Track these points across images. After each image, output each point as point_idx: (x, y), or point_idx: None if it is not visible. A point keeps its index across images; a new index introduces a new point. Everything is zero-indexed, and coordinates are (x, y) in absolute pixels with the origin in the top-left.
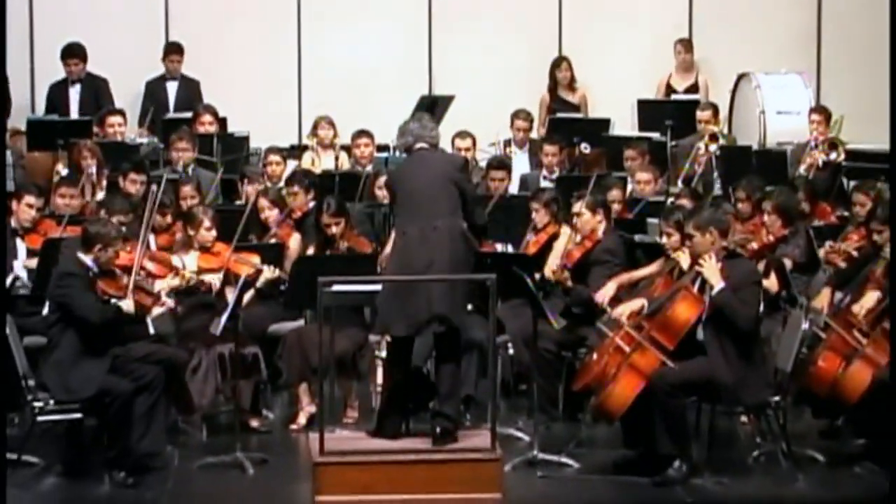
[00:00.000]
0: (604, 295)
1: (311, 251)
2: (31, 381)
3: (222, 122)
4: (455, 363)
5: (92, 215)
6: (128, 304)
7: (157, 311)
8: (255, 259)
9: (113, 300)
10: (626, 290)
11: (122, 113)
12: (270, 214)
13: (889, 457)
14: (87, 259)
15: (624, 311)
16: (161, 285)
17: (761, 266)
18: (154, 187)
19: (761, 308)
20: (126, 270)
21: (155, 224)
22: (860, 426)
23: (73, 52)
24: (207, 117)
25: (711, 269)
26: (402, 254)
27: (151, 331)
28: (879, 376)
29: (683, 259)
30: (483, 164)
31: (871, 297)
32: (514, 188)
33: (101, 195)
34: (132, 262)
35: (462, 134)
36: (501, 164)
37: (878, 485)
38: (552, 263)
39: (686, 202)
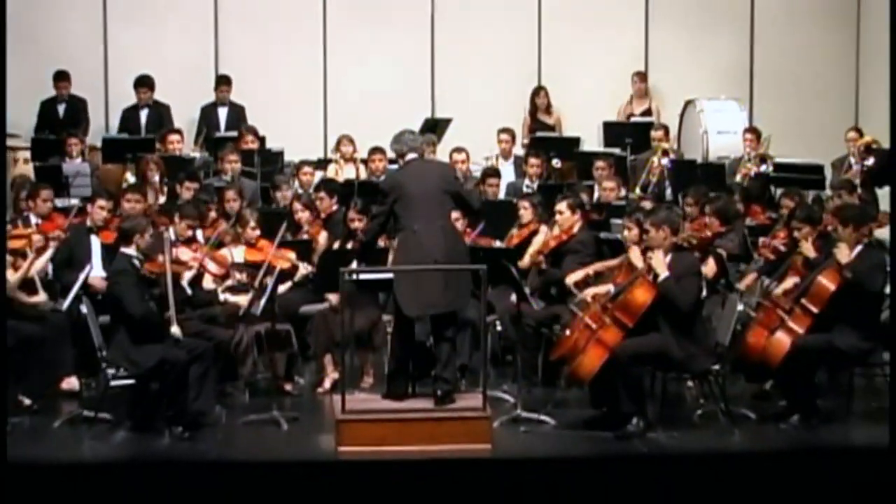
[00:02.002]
0: (572, 278)
1: (335, 246)
2: (105, 353)
3: (261, 140)
4: (452, 337)
5: (155, 218)
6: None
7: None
8: (292, 255)
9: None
10: (593, 277)
11: (180, 132)
12: (303, 216)
13: (809, 412)
14: (130, 251)
15: (589, 292)
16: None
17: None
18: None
19: (703, 293)
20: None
21: (203, 220)
22: (785, 389)
23: (144, 83)
24: (250, 137)
25: (658, 261)
26: (416, 248)
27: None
28: (798, 343)
29: (635, 255)
30: (476, 173)
31: (789, 282)
32: (500, 194)
33: (161, 199)
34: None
35: (458, 149)
36: (495, 173)
37: (798, 437)
38: (530, 255)
39: (648, 204)
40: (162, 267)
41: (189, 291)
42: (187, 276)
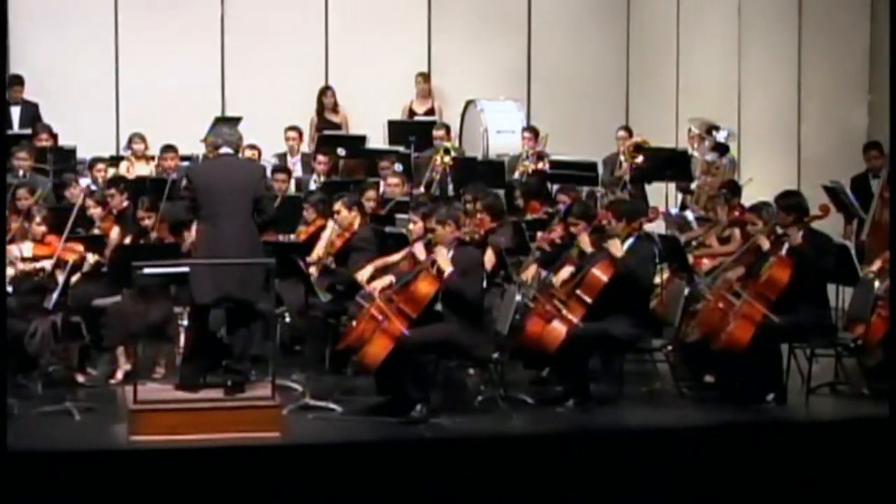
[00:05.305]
0: (362, 275)
1: (127, 240)
2: None
3: (55, 138)
4: (245, 329)
5: None
6: None
7: None
8: (81, 247)
9: None
10: (380, 270)
11: None
12: (95, 211)
13: (584, 396)
14: None
15: (376, 286)
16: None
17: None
18: None
19: (484, 284)
20: None
21: None
22: (561, 375)
23: None
24: (44, 135)
25: (443, 258)
26: (214, 242)
27: None
28: (573, 332)
29: (419, 250)
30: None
31: (565, 271)
32: (291, 190)
33: None
34: None
35: (251, 146)
36: (283, 169)
37: (574, 420)
38: (318, 249)
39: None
40: None
41: None
42: None
